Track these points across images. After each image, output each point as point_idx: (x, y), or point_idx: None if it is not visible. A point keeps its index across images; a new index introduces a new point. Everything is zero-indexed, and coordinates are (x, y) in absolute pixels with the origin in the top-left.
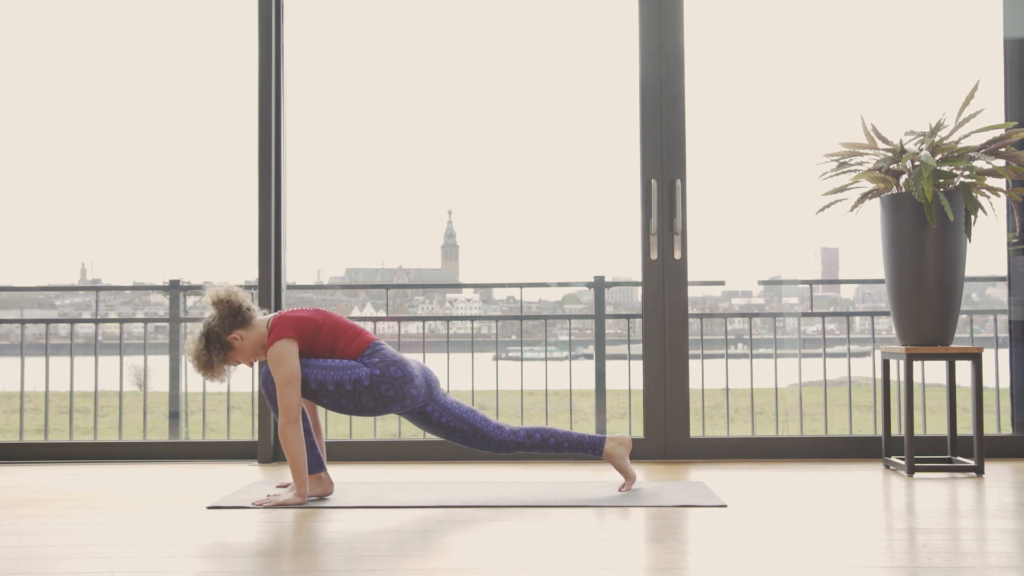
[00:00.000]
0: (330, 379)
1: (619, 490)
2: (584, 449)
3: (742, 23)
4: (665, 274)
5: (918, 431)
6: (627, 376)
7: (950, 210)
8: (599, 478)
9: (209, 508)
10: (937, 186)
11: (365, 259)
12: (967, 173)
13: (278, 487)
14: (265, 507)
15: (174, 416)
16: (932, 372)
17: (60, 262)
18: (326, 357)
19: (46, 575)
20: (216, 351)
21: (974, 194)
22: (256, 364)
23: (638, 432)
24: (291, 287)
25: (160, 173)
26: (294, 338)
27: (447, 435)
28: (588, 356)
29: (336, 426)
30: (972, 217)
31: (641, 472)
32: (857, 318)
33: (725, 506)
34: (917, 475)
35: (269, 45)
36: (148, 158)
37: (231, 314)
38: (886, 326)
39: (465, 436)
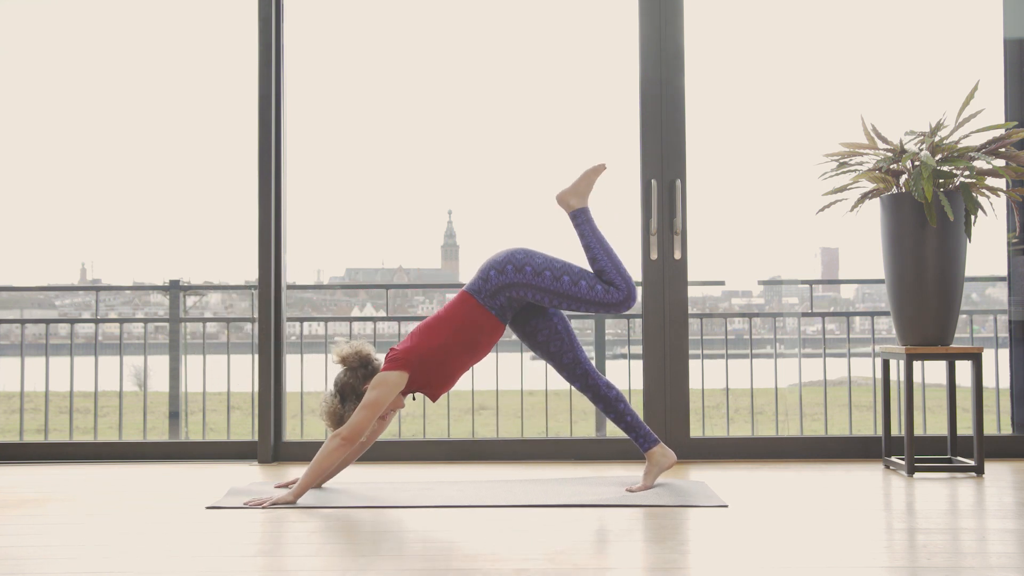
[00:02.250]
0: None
1: (627, 489)
2: (638, 435)
3: (742, 23)
4: (665, 274)
5: (918, 431)
6: (627, 376)
7: (950, 210)
8: (600, 475)
9: (208, 508)
10: (937, 186)
11: (365, 259)
12: (967, 173)
13: (276, 487)
14: (263, 507)
15: (174, 416)
16: (932, 372)
17: (60, 262)
18: (461, 337)
19: (45, 575)
20: (352, 404)
21: (974, 194)
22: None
23: None
24: (291, 287)
25: (160, 173)
26: (405, 372)
27: (548, 336)
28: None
29: None
30: (972, 217)
31: (641, 472)
32: (857, 318)
33: (725, 506)
34: (917, 475)
35: (269, 45)
36: (148, 158)
37: (362, 365)
38: (886, 326)
39: (562, 345)
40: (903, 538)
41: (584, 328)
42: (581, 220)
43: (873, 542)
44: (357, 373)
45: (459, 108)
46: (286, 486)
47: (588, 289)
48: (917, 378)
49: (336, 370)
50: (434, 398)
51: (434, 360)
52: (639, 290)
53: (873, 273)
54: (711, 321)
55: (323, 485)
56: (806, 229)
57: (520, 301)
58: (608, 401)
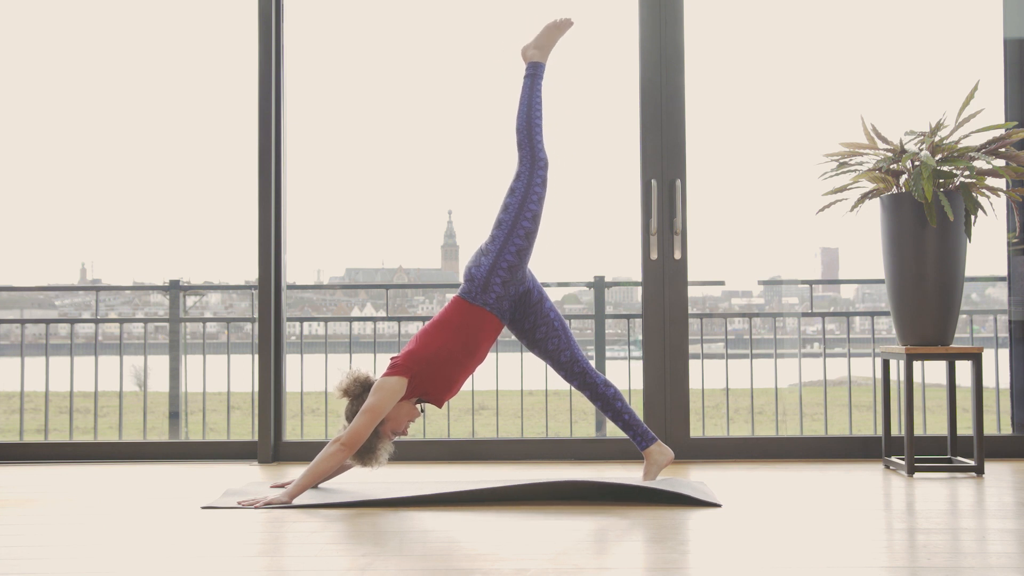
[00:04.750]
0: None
1: None
2: (636, 434)
3: (742, 23)
4: (665, 274)
5: (918, 431)
6: (627, 376)
7: (950, 210)
8: (601, 474)
9: (203, 508)
10: (937, 186)
11: (365, 259)
12: (967, 173)
13: (272, 487)
14: (256, 507)
15: (174, 416)
16: (932, 372)
17: (60, 262)
18: (459, 339)
19: (43, 575)
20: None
21: (974, 194)
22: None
23: None
24: (291, 287)
25: (160, 173)
26: (403, 378)
27: (546, 333)
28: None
29: (333, 425)
30: (972, 217)
31: (641, 472)
32: (857, 318)
33: (725, 506)
34: (917, 475)
35: (269, 45)
36: (148, 158)
37: (365, 390)
38: (886, 326)
39: (559, 343)
40: (903, 538)
41: (584, 328)
42: (529, 73)
43: (873, 542)
44: (362, 399)
45: (459, 108)
46: (282, 486)
47: (516, 193)
48: (917, 378)
49: (334, 389)
50: (439, 404)
51: (434, 363)
52: (639, 291)
53: (873, 273)
54: (711, 321)
55: (320, 485)
56: (806, 229)
57: (512, 283)
58: (605, 399)
